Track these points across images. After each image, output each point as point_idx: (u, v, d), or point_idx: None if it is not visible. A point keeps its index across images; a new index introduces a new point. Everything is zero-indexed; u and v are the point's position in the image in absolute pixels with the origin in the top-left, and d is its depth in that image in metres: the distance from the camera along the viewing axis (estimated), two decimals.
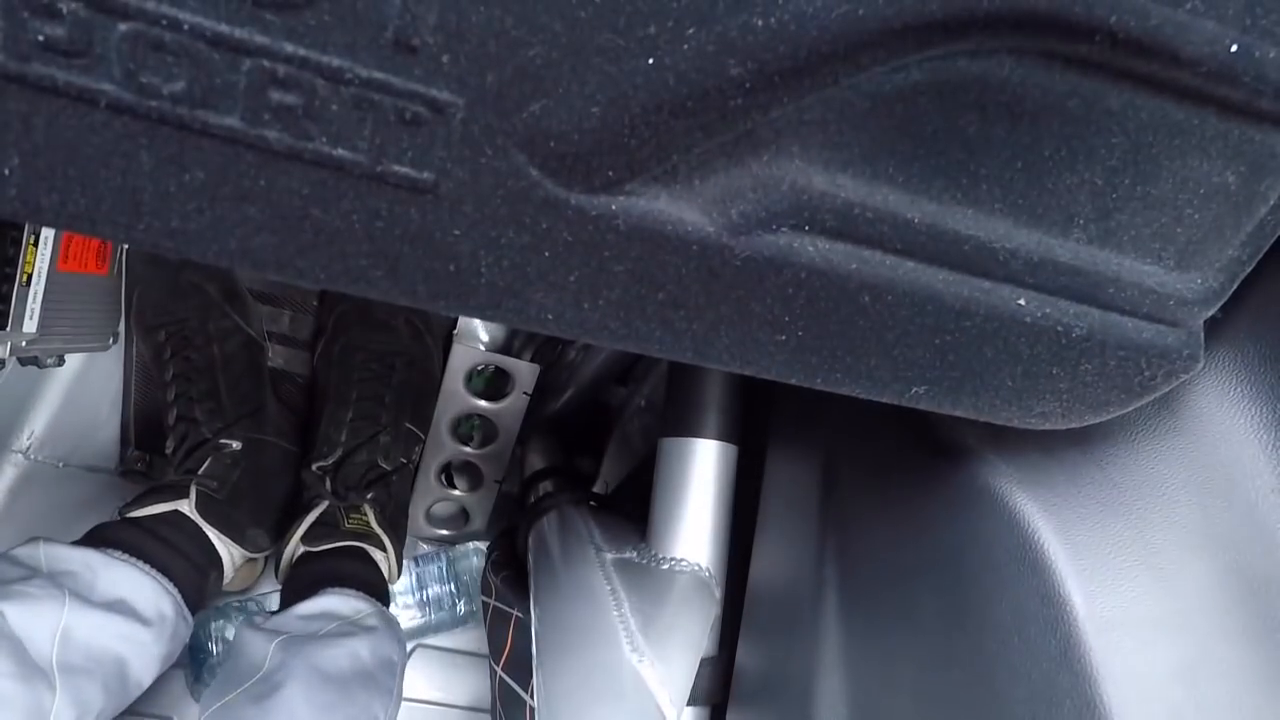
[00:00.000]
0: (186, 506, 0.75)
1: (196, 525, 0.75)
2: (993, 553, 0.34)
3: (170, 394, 0.80)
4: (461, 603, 0.92)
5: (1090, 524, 0.33)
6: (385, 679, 0.71)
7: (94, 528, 0.72)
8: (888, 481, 0.43)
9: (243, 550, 0.79)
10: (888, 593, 0.41)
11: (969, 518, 0.36)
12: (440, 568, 0.93)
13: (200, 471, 0.78)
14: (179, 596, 0.71)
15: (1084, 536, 0.33)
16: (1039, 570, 0.32)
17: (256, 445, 0.82)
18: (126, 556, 0.69)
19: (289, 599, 0.78)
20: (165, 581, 0.70)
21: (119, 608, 0.65)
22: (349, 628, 0.72)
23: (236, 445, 0.80)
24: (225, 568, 0.78)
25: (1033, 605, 0.32)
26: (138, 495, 0.76)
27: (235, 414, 0.81)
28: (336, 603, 0.75)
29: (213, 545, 0.77)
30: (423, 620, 0.91)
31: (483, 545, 0.96)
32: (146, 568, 0.69)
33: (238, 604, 0.87)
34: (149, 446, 0.87)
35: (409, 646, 0.92)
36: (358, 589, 0.77)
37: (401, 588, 0.91)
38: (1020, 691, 0.32)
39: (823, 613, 0.45)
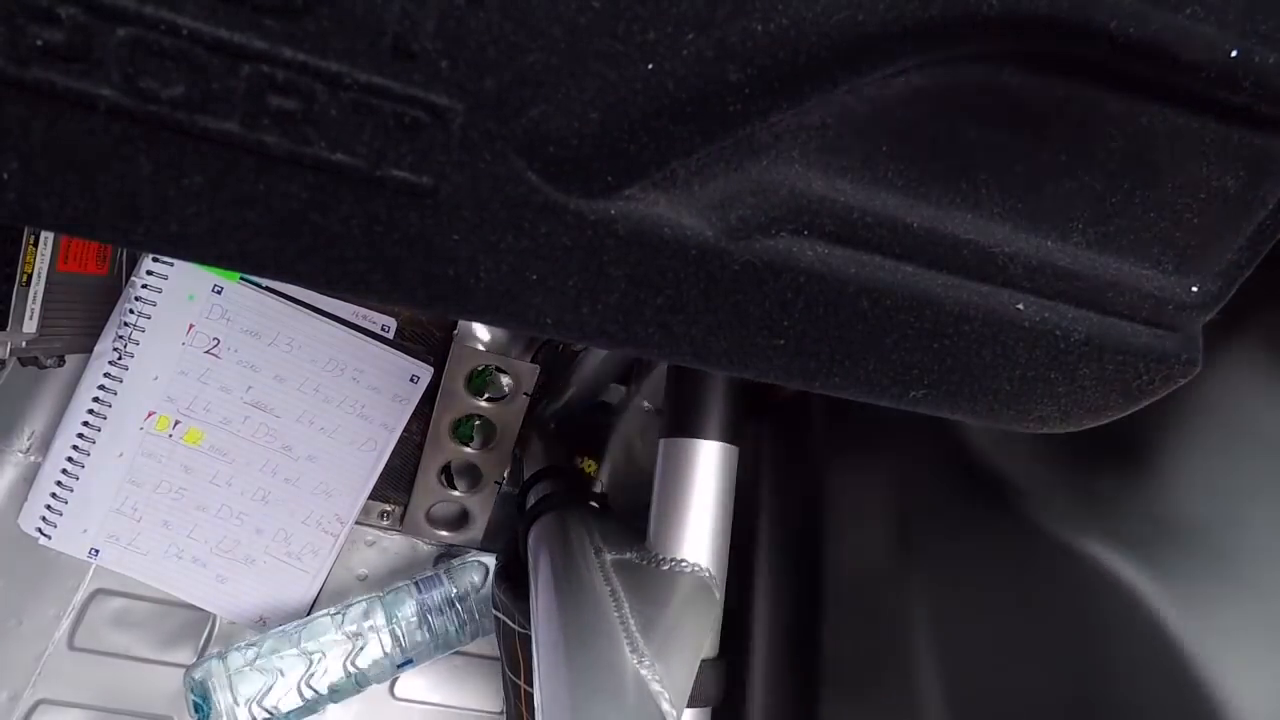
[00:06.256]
0: None
1: None
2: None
3: None
4: (467, 627, 0.90)
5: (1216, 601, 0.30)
6: None
7: None
8: (973, 544, 0.40)
9: None
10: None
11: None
12: (443, 592, 0.90)
13: None
14: None
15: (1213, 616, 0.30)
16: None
17: None
18: None
19: None
20: None
21: None
22: None
23: None
24: None
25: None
26: None
27: None
28: None
29: None
30: (430, 644, 0.90)
31: (485, 559, 0.94)
32: None
33: (219, 653, 0.85)
34: None
35: (414, 669, 0.91)
36: None
37: (406, 616, 0.89)
38: None
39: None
